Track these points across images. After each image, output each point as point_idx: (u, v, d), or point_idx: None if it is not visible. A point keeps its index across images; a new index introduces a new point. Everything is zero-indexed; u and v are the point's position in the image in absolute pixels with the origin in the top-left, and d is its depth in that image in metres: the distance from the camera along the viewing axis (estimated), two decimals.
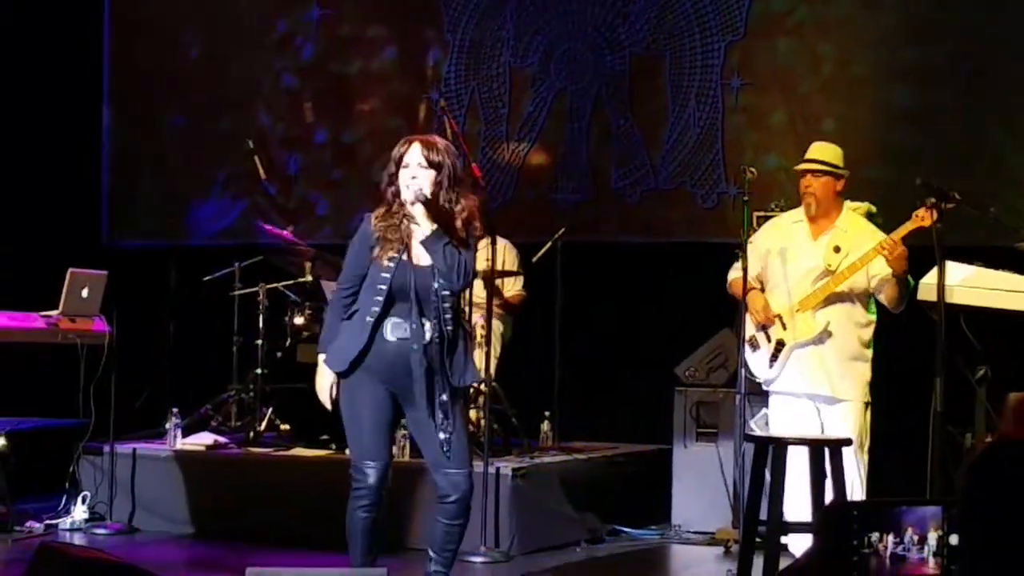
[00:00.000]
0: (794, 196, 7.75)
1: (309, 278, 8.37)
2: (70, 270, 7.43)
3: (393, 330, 5.23)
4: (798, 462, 5.88)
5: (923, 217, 6.11)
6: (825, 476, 5.78)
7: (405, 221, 5.27)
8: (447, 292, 5.22)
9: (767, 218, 7.49)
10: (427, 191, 5.20)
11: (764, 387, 6.66)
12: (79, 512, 7.60)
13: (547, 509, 7.42)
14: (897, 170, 8.12)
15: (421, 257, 5.26)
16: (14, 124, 10.29)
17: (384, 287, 5.22)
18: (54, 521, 7.55)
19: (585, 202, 9.37)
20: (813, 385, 6.44)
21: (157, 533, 7.61)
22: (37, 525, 7.47)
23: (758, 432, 7.14)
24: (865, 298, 6.44)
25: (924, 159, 8.26)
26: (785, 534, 5.96)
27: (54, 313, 7.35)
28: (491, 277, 7.64)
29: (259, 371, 8.13)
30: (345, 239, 9.65)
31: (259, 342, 8.22)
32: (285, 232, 8.40)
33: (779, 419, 6.60)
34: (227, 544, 7.39)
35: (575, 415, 8.55)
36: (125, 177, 10.73)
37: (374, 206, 10.38)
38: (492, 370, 7.85)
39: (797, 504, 5.99)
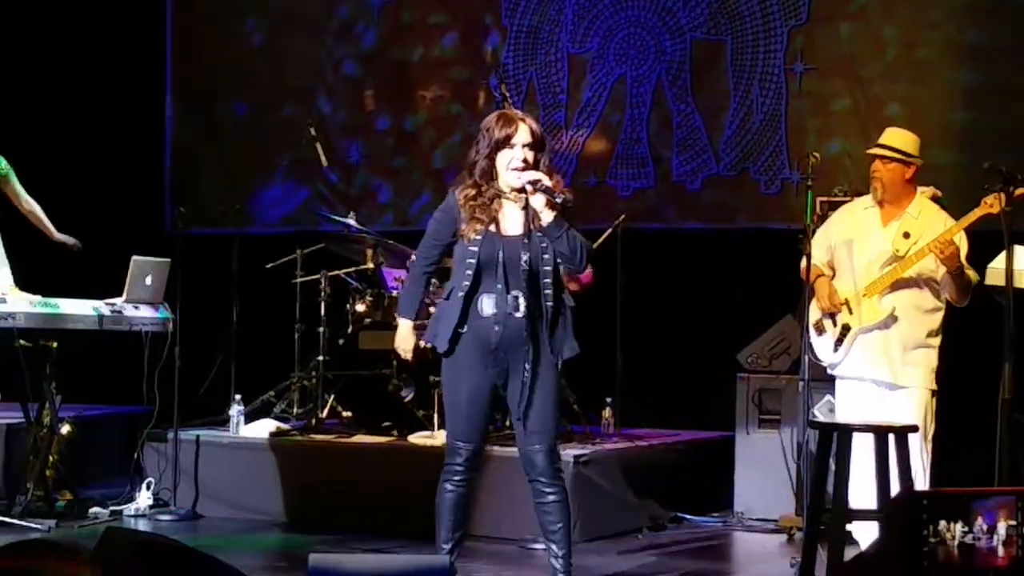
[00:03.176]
0: (857, 181, 7.72)
1: (371, 265, 8.39)
2: (133, 258, 7.48)
3: (488, 304, 5.22)
4: (863, 449, 5.83)
5: (991, 204, 6.03)
6: (889, 463, 5.73)
7: (496, 200, 5.24)
8: (547, 267, 5.19)
9: (831, 204, 7.45)
10: (544, 179, 5.13)
11: (829, 371, 6.61)
12: (143, 498, 7.65)
13: (609, 496, 7.40)
14: (963, 154, 8.04)
15: (508, 228, 5.24)
16: (79, 115, 10.39)
17: (472, 261, 5.19)
18: (119, 507, 7.60)
19: (646, 188, 9.34)
20: (875, 371, 6.39)
21: (221, 519, 7.65)
22: (102, 511, 7.53)
23: (821, 419, 7.10)
24: (934, 285, 6.37)
25: (991, 142, 8.17)
26: (850, 522, 5.91)
27: (119, 300, 7.39)
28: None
29: (321, 358, 8.15)
30: (406, 226, 9.80)
31: (321, 329, 8.24)
32: (347, 219, 8.41)
33: (844, 404, 6.54)
34: (289, 530, 7.43)
35: (636, 402, 8.52)
36: (188, 165, 10.80)
37: (435, 192, 10.43)
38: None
39: (862, 491, 5.94)
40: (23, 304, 7.12)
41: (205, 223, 10.02)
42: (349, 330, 8.12)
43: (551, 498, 5.31)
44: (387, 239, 8.47)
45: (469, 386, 5.28)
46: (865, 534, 6.21)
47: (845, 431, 5.73)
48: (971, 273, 6.25)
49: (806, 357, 6.55)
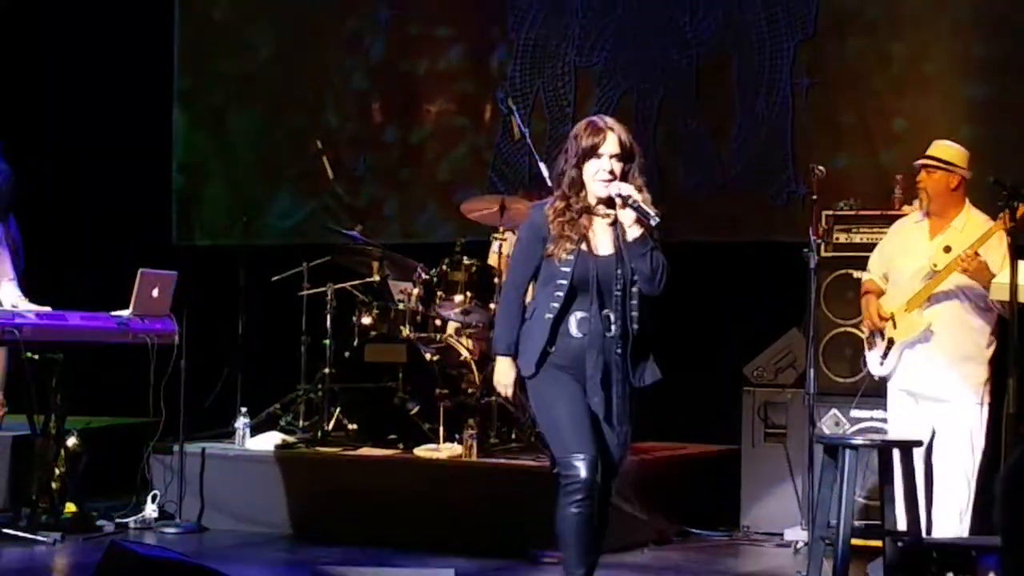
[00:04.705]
0: (864, 195, 7.73)
1: (377, 278, 8.41)
2: (140, 270, 7.48)
3: (579, 325, 4.99)
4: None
5: (1002, 221, 6.08)
6: (893, 479, 5.74)
7: (585, 215, 5.02)
8: (634, 288, 4.98)
9: (836, 217, 7.48)
10: (636, 195, 4.93)
11: (886, 383, 6.63)
12: (149, 511, 7.65)
13: (614, 510, 7.38)
14: (972, 168, 8.03)
15: (600, 246, 5.02)
16: (86, 126, 10.40)
17: (564, 282, 4.96)
18: (124, 520, 7.60)
19: (652, 202, 9.32)
20: (921, 384, 6.41)
21: (226, 532, 7.65)
22: (108, 524, 7.53)
23: (827, 432, 7.10)
24: (977, 298, 6.36)
25: (998, 157, 8.15)
26: (856, 536, 5.91)
27: (125, 313, 7.40)
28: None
29: (327, 370, 8.15)
30: (412, 238, 9.80)
31: (327, 342, 8.24)
32: (353, 232, 8.42)
33: (894, 416, 6.57)
34: (295, 543, 7.42)
35: (642, 415, 8.49)
36: (194, 177, 10.81)
37: (441, 205, 10.44)
38: None
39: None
40: (30, 316, 7.13)
41: (211, 235, 10.06)
42: (355, 343, 8.13)
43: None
44: (393, 252, 8.49)
45: (567, 399, 5.00)
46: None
47: (851, 445, 5.73)
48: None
49: (811, 370, 6.56)
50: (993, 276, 6.17)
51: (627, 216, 4.94)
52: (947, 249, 6.33)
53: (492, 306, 7.94)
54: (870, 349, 6.64)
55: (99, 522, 7.52)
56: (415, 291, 8.18)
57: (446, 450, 7.49)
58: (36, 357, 7.22)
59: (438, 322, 8.28)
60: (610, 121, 5.08)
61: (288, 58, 10.54)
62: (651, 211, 4.93)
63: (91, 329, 7.26)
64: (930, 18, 8.66)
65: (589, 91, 9.59)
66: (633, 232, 4.95)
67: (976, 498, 6.25)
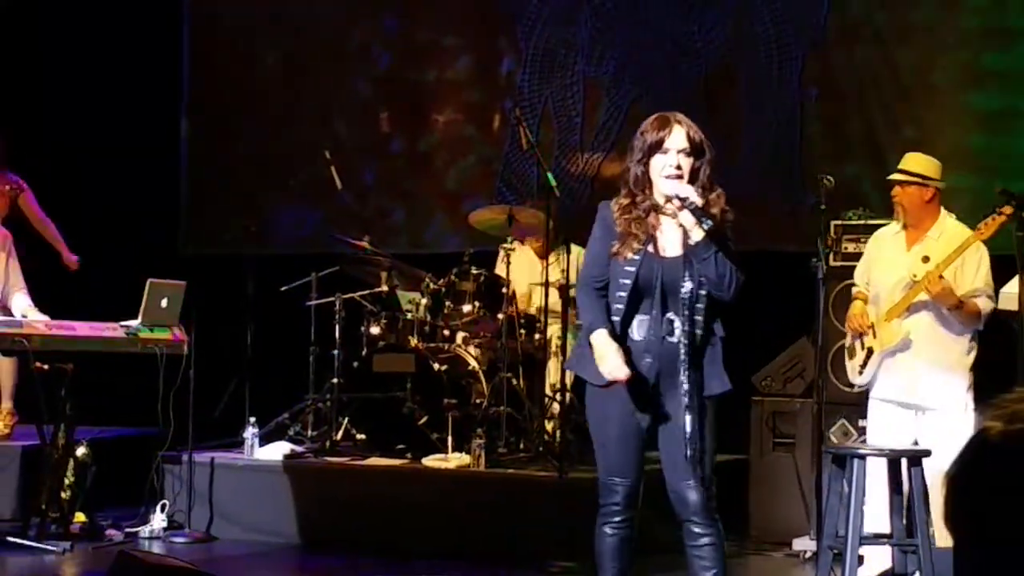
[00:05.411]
0: (872, 205, 7.72)
1: (385, 288, 8.41)
2: (149, 280, 7.50)
3: (640, 328, 4.76)
4: (878, 473, 5.83)
5: (982, 231, 6.12)
6: (902, 488, 5.74)
7: (653, 213, 4.79)
8: (702, 292, 4.72)
9: (845, 227, 7.48)
10: (695, 197, 4.68)
11: (868, 394, 6.63)
12: (158, 520, 7.66)
13: None
14: (979, 177, 8.03)
15: (667, 248, 4.77)
16: (93, 136, 10.43)
17: (628, 282, 4.73)
18: (133, 529, 7.61)
19: None
20: (905, 393, 6.41)
21: (235, 542, 7.65)
22: (117, 533, 7.54)
23: (836, 442, 7.10)
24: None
25: (1006, 166, 8.17)
26: (863, 545, 5.90)
27: (134, 323, 7.42)
28: (566, 287, 7.64)
29: (335, 380, 8.16)
30: (420, 248, 9.82)
31: (335, 352, 8.25)
32: (361, 242, 8.43)
33: (874, 426, 6.57)
34: (303, 552, 7.43)
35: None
36: (203, 187, 10.83)
37: (449, 215, 10.44)
38: (567, 380, 7.86)
39: (876, 515, 5.93)
40: (40, 326, 7.15)
41: (220, 245, 10.07)
42: (363, 353, 8.13)
43: (705, 540, 4.83)
44: (401, 261, 8.50)
45: (620, 409, 4.79)
46: (877, 559, 6.20)
47: (859, 455, 5.73)
48: (976, 302, 6.25)
49: (820, 380, 6.56)
50: (959, 299, 6.18)
51: (687, 218, 4.71)
52: (925, 259, 6.35)
53: (500, 316, 7.94)
54: (850, 359, 6.63)
55: (108, 531, 7.53)
56: (423, 301, 8.19)
57: (454, 460, 7.50)
58: (46, 367, 7.23)
59: (446, 332, 8.29)
60: (679, 115, 4.85)
61: (295, 68, 10.55)
62: (705, 215, 4.69)
63: (100, 339, 7.27)
64: (938, 28, 8.66)
65: (598, 101, 9.60)
66: (695, 235, 4.71)
67: None
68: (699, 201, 4.69)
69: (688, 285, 4.70)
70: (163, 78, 10.79)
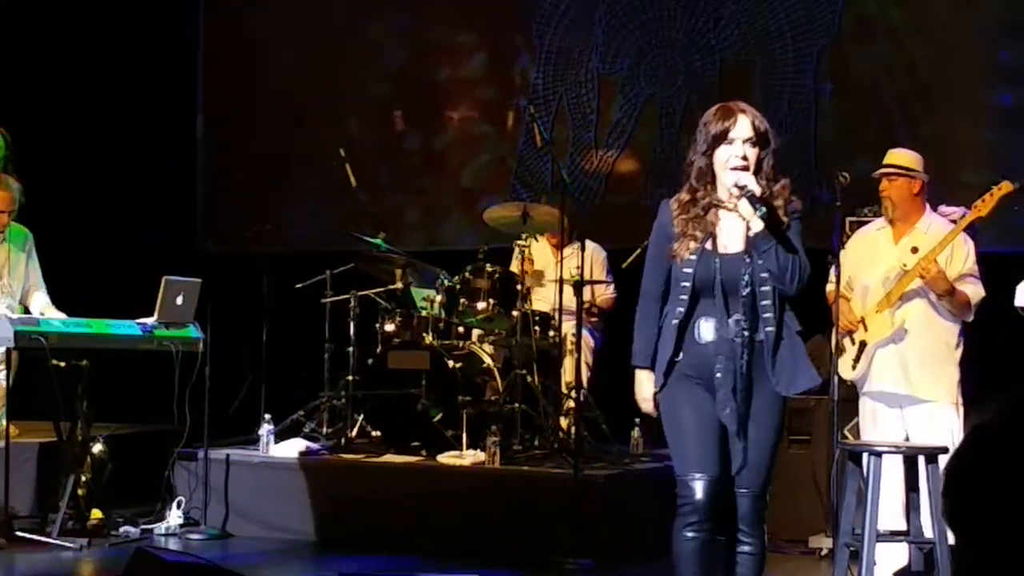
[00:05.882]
0: None
1: (400, 285, 8.41)
2: (165, 278, 7.51)
3: (707, 330, 4.57)
4: (893, 470, 5.82)
5: (979, 208, 6.17)
6: (918, 485, 5.72)
7: (712, 210, 4.60)
8: (765, 287, 4.53)
9: (860, 223, 7.45)
10: (754, 186, 4.50)
11: (858, 390, 6.62)
12: (174, 517, 7.67)
13: (638, 517, 7.38)
14: (995, 173, 8.00)
15: (728, 244, 4.59)
16: (109, 134, 10.45)
17: (687, 283, 4.56)
18: (149, 526, 7.62)
19: None
20: (895, 385, 6.41)
21: (250, 538, 7.67)
22: (133, 530, 7.55)
23: (852, 440, 7.08)
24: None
25: (1022, 161, 8.14)
26: (879, 542, 5.89)
27: (150, 320, 7.43)
28: (580, 284, 7.64)
29: (350, 378, 8.17)
30: (435, 246, 9.82)
31: (350, 349, 8.26)
32: (376, 240, 8.43)
33: (865, 421, 6.56)
34: (319, 549, 7.44)
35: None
36: (218, 185, 10.85)
37: (464, 212, 10.44)
38: (583, 378, 7.86)
39: (891, 513, 5.92)
40: (56, 324, 7.17)
41: (235, 243, 10.09)
42: (378, 350, 8.14)
43: (747, 549, 4.71)
44: (416, 259, 8.50)
45: (692, 411, 4.60)
46: (890, 556, 6.19)
47: (875, 452, 5.72)
48: (968, 289, 6.27)
49: (835, 377, 6.56)
50: (950, 284, 6.20)
51: (746, 209, 4.52)
52: (914, 250, 6.38)
53: (515, 313, 7.94)
54: (840, 355, 6.61)
55: (124, 528, 7.54)
56: (438, 298, 8.19)
57: (469, 457, 7.50)
58: (62, 364, 7.25)
59: (461, 329, 8.29)
60: (742, 104, 4.67)
61: (309, 67, 10.57)
62: (760, 202, 4.50)
63: (116, 336, 7.29)
64: (954, 23, 8.65)
65: (612, 98, 9.60)
66: (755, 226, 4.52)
67: None
68: (757, 189, 4.51)
69: (747, 280, 4.53)
70: (179, 77, 10.81)
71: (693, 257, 4.56)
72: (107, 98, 10.53)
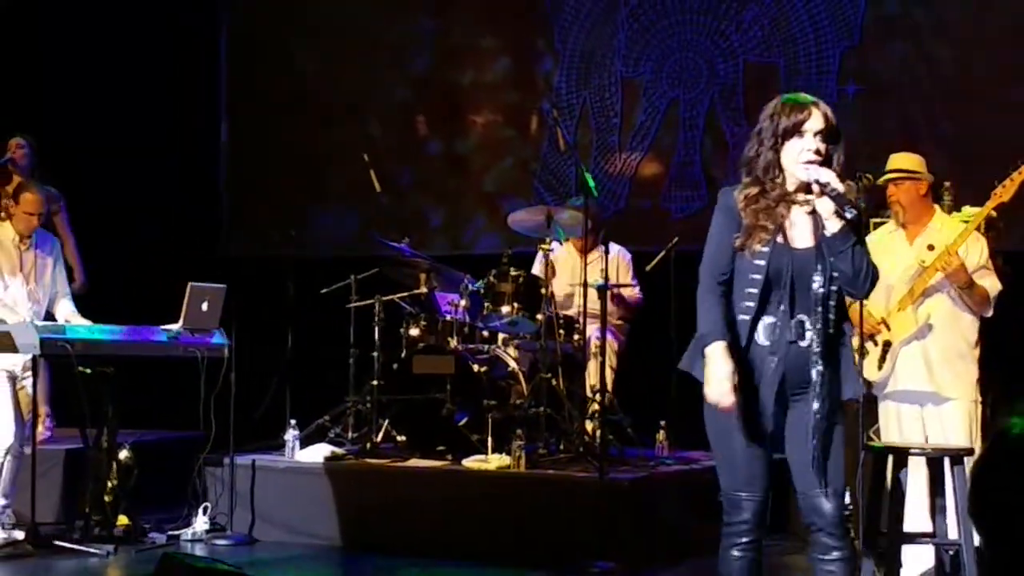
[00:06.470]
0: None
1: (424, 289, 8.42)
2: (190, 284, 7.54)
3: (766, 331, 4.37)
4: (918, 472, 5.81)
5: (1000, 194, 6.18)
6: (944, 486, 5.71)
7: (783, 205, 4.38)
8: (834, 288, 4.33)
9: (883, 224, 7.44)
10: (837, 183, 4.29)
11: (875, 392, 6.60)
12: (200, 523, 7.69)
13: (665, 520, 7.38)
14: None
15: (798, 239, 4.38)
16: (134, 140, 10.50)
17: (759, 277, 4.32)
18: (176, 532, 7.65)
19: (699, 210, 9.32)
20: (919, 382, 6.40)
21: (276, 544, 7.68)
22: (159, 536, 7.58)
23: (876, 441, 7.06)
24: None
25: None
26: (905, 544, 5.88)
27: (175, 326, 7.46)
28: (604, 288, 7.63)
29: (375, 382, 8.18)
30: (459, 250, 9.83)
31: (375, 354, 8.27)
32: (400, 244, 8.45)
33: (888, 425, 6.54)
34: (345, 554, 7.45)
35: (690, 424, 8.48)
36: (242, 190, 10.89)
37: (488, 217, 10.43)
38: (607, 380, 7.85)
39: (916, 514, 5.91)
40: (82, 331, 7.21)
41: (260, 248, 10.12)
42: (403, 354, 8.15)
43: (836, 555, 4.42)
44: (440, 263, 8.51)
45: (746, 427, 4.39)
46: (915, 557, 6.17)
47: (900, 454, 5.71)
48: (986, 283, 6.27)
49: (860, 378, 6.54)
50: (970, 277, 6.19)
51: (825, 206, 4.32)
52: (930, 247, 6.37)
53: (539, 317, 7.94)
54: (863, 358, 6.59)
55: (151, 534, 7.58)
56: (462, 302, 8.20)
57: (495, 461, 7.50)
58: (88, 371, 7.28)
59: (485, 333, 8.30)
60: (810, 96, 4.49)
61: (332, 71, 10.60)
62: (849, 203, 4.31)
63: (142, 343, 7.32)
64: (977, 23, 8.62)
65: (635, 101, 9.60)
66: (832, 225, 4.30)
67: None
68: (841, 187, 4.31)
69: (819, 280, 4.32)
70: (203, 83, 10.86)
71: (765, 250, 4.33)
72: (129, 103, 10.57)
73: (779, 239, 4.35)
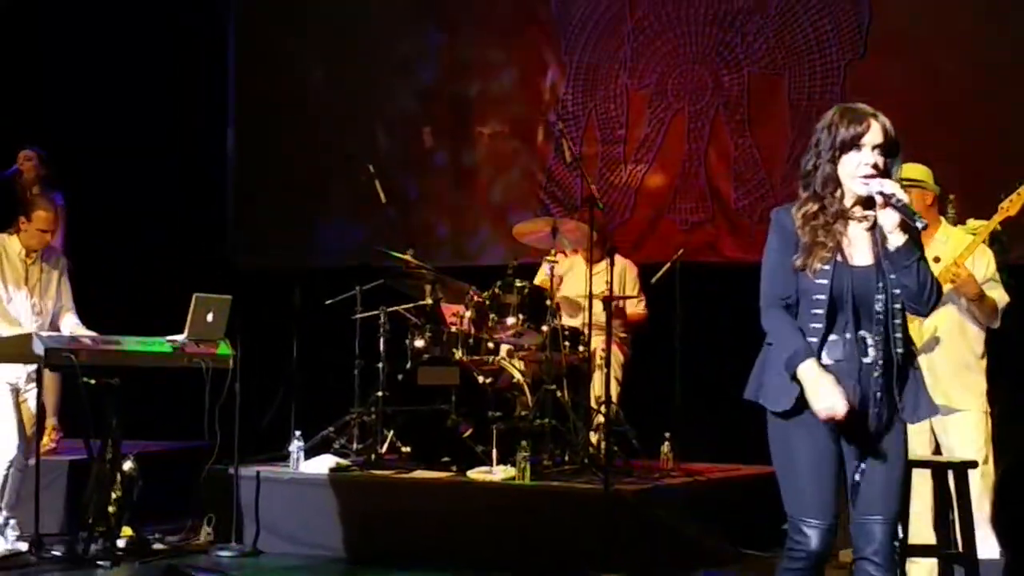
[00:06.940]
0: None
1: (429, 301, 8.43)
2: (195, 294, 7.54)
3: (832, 350, 4.23)
4: (923, 484, 5.79)
5: (1007, 208, 6.15)
6: (950, 498, 5.69)
7: (840, 221, 4.26)
8: (897, 305, 4.21)
9: None
10: (902, 195, 4.14)
11: None
12: (204, 534, 7.69)
13: (670, 532, 7.37)
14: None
15: (856, 256, 4.26)
16: (140, 150, 10.51)
17: (823, 297, 4.20)
18: (180, 543, 7.64)
19: (704, 222, 9.33)
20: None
21: (281, 555, 7.67)
22: (163, 547, 7.56)
23: None
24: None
25: None
26: (910, 557, 5.87)
27: (180, 337, 7.46)
28: (610, 299, 7.63)
29: (380, 394, 8.18)
30: (465, 261, 9.83)
31: (380, 365, 8.27)
32: (406, 255, 8.45)
33: None
34: (349, 565, 7.44)
35: (695, 436, 8.48)
36: (248, 201, 10.90)
37: (493, 228, 10.44)
38: (612, 392, 7.85)
39: (921, 527, 5.89)
40: (86, 341, 7.21)
41: (266, 259, 10.13)
42: (408, 366, 8.15)
43: None
44: (445, 274, 8.51)
45: (811, 447, 4.24)
46: (921, 570, 6.15)
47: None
48: (995, 295, 6.25)
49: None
50: (980, 288, 6.17)
51: (889, 219, 4.16)
52: (936, 259, 6.34)
53: (544, 328, 7.94)
54: None
55: (155, 546, 7.56)
56: (467, 314, 8.20)
57: (500, 472, 7.49)
58: (92, 382, 7.28)
59: (491, 344, 8.29)
60: (869, 107, 4.33)
61: (339, 82, 10.62)
62: (916, 214, 4.15)
63: (147, 353, 7.32)
64: (981, 35, 8.61)
65: (641, 113, 9.61)
66: (896, 239, 4.17)
67: (996, 512, 6.16)
68: (906, 198, 4.16)
69: (882, 297, 4.20)
70: (210, 93, 10.87)
71: (827, 268, 4.21)
72: (135, 113, 10.58)
73: (838, 257, 4.23)
